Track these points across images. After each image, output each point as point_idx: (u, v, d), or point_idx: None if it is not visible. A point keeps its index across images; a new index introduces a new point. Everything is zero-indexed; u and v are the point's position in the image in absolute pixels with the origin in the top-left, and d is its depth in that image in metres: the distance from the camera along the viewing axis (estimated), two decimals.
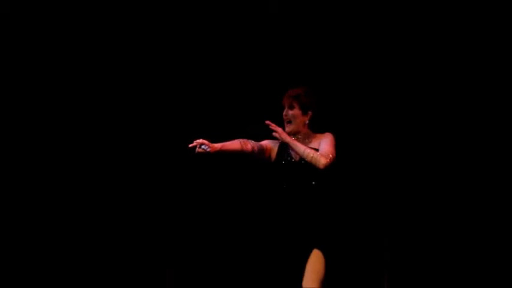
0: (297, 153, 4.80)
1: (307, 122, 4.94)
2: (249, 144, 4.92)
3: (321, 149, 4.80)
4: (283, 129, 4.88)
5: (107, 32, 6.59)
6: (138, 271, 6.61)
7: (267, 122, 4.79)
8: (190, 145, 4.78)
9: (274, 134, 4.77)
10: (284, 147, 4.95)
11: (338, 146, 4.87)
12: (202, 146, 4.78)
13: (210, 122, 6.47)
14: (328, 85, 6.25)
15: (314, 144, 4.88)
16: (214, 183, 6.56)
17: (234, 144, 4.90)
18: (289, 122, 4.94)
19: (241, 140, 4.93)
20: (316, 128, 5.00)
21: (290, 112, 4.92)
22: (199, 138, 4.79)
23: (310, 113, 4.93)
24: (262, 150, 4.98)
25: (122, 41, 6.60)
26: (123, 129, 6.64)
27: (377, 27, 6.31)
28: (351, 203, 6.09)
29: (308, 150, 4.76)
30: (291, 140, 4.81)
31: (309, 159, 4.74)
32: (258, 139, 5.06)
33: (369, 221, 6.27)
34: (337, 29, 6.37)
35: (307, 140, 4.93)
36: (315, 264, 4.64)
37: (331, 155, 4.76)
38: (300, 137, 4.94)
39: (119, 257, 6.61)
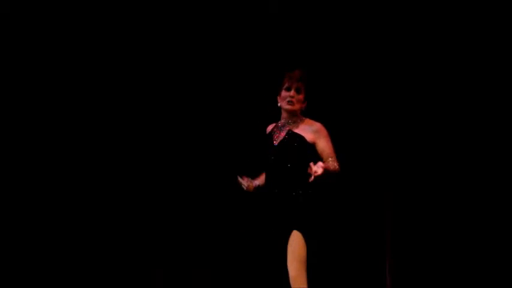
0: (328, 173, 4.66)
1: (303, 109, 4.88)
2: None
3: (325, 153, 4.73)
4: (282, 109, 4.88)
5: (107, 32, 6.59)
6: (128, 271, 6.59)
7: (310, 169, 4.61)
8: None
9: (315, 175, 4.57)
10: (273, 131, 4.93)
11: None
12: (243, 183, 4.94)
13: (208, 122, 6.49)
14: (326, 84, 6.26)
15: (301, 130, 4.82)
16: (201, 183, 6.56)
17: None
18: (293, 103, 4.83)
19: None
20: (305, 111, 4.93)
21: (299, 96, 4.83)
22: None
23: (306, 102, 4.89)
24: None
25: (121, 40, 6.60)
26: (110, 129, 6.64)
27: (376, 27, 6.31)
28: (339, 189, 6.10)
29: (333, 164, 4.68)
30: (327, 167, 4.64)
31: (331, 170, 4.65)
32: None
33: (367, 209, 6.33)
34: (336, 29, 6.37)
35: (296, 124, 4.86)
36: (293, 245, 4.63)
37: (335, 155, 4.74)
38: (291, 121, 4.87)
39: (109, 257, 6.60)
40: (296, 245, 4.62)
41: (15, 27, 6.54)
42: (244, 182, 4.95)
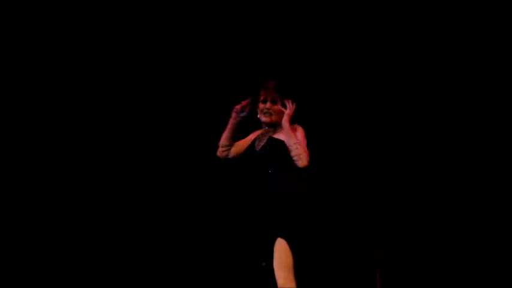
0: (287, 141, 4.77)
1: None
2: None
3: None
4: (261, 119, 4.88)
5: (106, 32, 6.61)
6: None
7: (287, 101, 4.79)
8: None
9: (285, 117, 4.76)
10: (256, 139, 4.94)
11: (312, 138, 4.84)
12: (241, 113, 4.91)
13: (206, 121, 6.49)
14: (325, 84, 6.23)
15: (281, 136, 4.84)
16: (199, 183, 6.61)
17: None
18: (270, 114, 4.89)
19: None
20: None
21: (275, 107, 4.89)
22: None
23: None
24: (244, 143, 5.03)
25: (121, 39, 6.62)
26: (106, 126, 6.69)
27: (376, 27, 6.31)
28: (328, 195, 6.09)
29: (297, 146, 4.71)
30: (289, 127, 4.77)
31: (294, 153, 4.71)
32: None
33: (355, 212, 6.33)
34: (336, 29, 6.36)
35: (277, 131, 4.89)
36: (278, 253, 4.61)
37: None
38: (271, 130, 4.91)
39: (109, 257, 6.64)
40: (281, 253, 4.60)
41: (15, 27, 6.59)
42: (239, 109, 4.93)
